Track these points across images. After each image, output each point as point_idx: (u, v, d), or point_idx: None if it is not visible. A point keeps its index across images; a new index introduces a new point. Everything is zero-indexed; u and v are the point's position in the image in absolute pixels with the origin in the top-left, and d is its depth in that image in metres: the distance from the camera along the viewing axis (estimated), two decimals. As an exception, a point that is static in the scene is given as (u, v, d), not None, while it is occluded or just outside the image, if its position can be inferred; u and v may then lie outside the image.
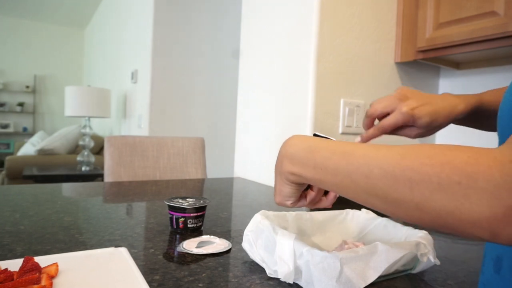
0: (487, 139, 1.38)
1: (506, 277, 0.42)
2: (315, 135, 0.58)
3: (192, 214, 0.73)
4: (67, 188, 1.16)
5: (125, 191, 1.15)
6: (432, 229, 0.33)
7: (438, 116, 0.63)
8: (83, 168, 3.12)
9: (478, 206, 0.28)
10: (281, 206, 0.51)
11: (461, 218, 0.29)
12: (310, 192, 0.52)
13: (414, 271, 0.56)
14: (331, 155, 0.40)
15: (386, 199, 0.34)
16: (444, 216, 0.30)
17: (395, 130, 0.66)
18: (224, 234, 0.74)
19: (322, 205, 0.54)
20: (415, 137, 0.66)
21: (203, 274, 0.53)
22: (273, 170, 1.40)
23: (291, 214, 0.64)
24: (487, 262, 0.45)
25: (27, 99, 6.00)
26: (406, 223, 0.63)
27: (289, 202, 0.50)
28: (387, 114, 0.64)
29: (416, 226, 0.61)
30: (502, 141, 0.44)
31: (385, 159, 0.35)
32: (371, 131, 0.66)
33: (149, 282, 0.49)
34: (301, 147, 0.44)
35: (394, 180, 0.33)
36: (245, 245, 0.59)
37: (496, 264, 0.43)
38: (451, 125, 1.65)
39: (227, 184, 1.41)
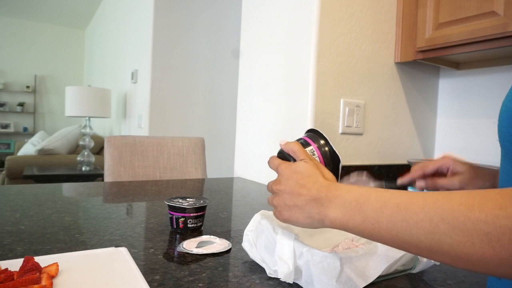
0: (486, 139, 1.38)
1: (507, 282, 0.43)
2: (312, 130, 0.57)
3: (192, 214, 0.73)
4: (67, 188, 1.16)
5: (125, 191, 1.15)
6: None
7: (479, 168, 0.65)
8: (83, 168, 3.12)
9: None
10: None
11: None
12: None
13: (413, 271, 0.56)
14: (383, 207, 0.37)
15: (457, 256, 0.31)
16: None
17: (438, 178, 0.67)
18: (224, 234, 0.74)
19: None
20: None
21: (203, 274, 0.54)
22: (273, 170, 1.40)
23: (291, 214, 0.64)
24: None
25: (28, 99, 6.00)
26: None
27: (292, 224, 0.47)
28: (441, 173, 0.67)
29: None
30: (502, 146, 0.44)
31: (449, 212, 0.31)
32: (413, 171, 0.67)
33: (149, 282, 0.49)
34: (347, 197, 0.41)
35: (466, 236, 0.30)
36: (245, 245, 0.59)
37: None
38: (451, 125, 1.64)
39: (227, 184, 1.41)
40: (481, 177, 0.63)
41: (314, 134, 0.55)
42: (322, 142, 0.54)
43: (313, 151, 0.54)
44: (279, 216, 0.48)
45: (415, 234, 0.33)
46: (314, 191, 0.44)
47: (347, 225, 0.40)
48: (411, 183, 0.68)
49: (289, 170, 0.48)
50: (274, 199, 0.49)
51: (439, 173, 0.67)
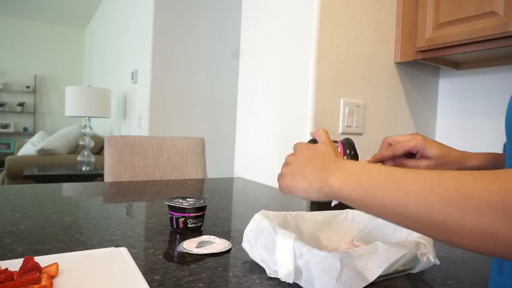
0: (486, 139, 1.38)
1: (508, 279, 0.43)
2: (348, 139, 0.59)
3: (192, 214, 0.73)
4: (67, 188, 1.16)
5: (125, 191, 1.15)
6: (509, 259, 0.30)
7: (448, 154, 0.65)
8: (83, 168, 3.12)
9: None
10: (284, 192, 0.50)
11: None
12: None
13: (414, 271, 0.56)
14: (380, 178, 0.38)
15: (442, 228, 0.31)
16: None
17: (406, 159, 0.67)
18: (224, 234, 0.74)
19: None
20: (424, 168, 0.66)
21: (203, 274, 0.54)
22: (273, 170, 1.40)
23: (291, 214, 0.64)
24: (494, 264, 0.46)
25: (28, 99, 6.00)
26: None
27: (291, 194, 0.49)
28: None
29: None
30: (510, 140, 0.44)
31: (439, 185, 0.32)
32: (383, 150, 0.67)
33: (149, 282, 0.49)
34: (348, 167, 0.43)
35: (454, 208, 0.30)
36: (245, 245, 0.59)
37: (500, 266, 0.44)
38: (451, 125, 1.64)
39: (227, 184, 1.41)
40: (448, 163, 0.64)
41: (347, 143, 0.58)
42: (350, 151, 0.56)
43: (338, 147, 0.56)
44: (281, 182, 0.50)
45: (405, 204, 0.35)
46: (322, 162, 0.46)
47: (342, 191, 0.42)
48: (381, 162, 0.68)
49: (306, 145, 0.51)
50: (283, 168, 0.51)
51: (408, 153, 0.67)
